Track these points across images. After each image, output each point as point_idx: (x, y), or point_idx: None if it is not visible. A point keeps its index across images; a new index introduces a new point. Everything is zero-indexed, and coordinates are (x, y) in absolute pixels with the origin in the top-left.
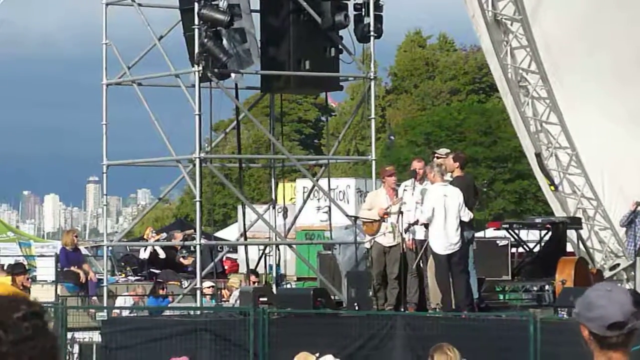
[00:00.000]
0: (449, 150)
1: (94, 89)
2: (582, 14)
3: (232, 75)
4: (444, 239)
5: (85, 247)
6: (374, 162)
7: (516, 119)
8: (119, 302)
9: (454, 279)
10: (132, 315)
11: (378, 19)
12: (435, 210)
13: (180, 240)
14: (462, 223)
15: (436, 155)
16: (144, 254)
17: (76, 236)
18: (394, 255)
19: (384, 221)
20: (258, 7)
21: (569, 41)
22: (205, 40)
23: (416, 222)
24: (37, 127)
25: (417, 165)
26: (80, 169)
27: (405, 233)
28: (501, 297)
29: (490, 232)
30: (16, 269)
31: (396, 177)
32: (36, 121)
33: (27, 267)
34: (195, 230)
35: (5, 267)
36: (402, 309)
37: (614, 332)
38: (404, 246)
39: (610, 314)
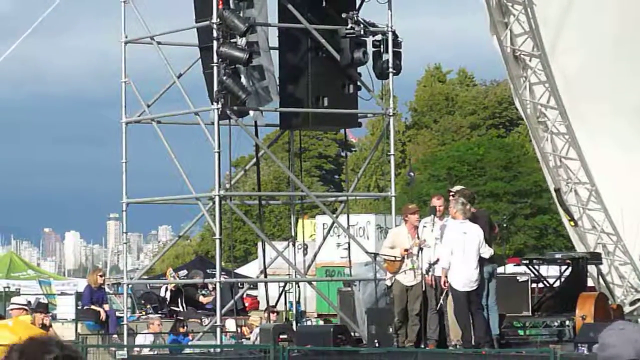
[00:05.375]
0: (463, 187)
1: (114, 126)
2: (601, 49)
3: (251, 112)
4: (463, 276)
5: (106, 284)
6: (393, 198)
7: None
8: (139, 340)
9: (474, 316)
10: (152, 353)
11: (397, 56)
12: (454, 248)
13: (200, 286)
14: (482, 259)
15: (451, 193)
16: (164, 293)
17: (101, 275)
18: (415, 292)
19: (407, 258)
20: (277, 45)
21: (588, 76)
22: (224, 77)
23: (436, 262)
24: (58, 164)
25: (437, 202)
26: (101, 206)
27: (427, 273)
28: (521, 332)
29: (510, 268)
30: (37, 308)
31: (419, 214)
32: (57, 158)
33: (47, 306)
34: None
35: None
36: (423, 346)
37: None
38: (424, 283)
39: (623, 353)
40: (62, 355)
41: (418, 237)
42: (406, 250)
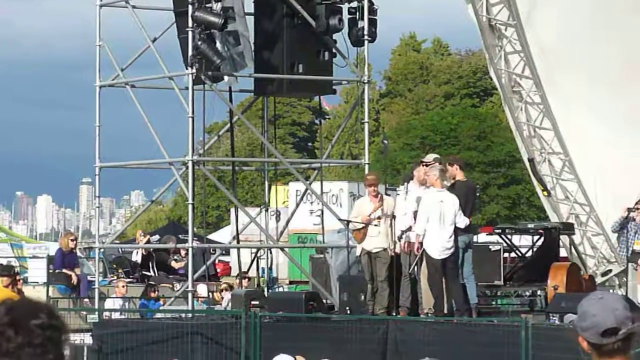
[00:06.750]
0: (437, 156)
1: (88, 90)
2: (576, 19)
3: (226, 78)
4: (439, 244)
5: (78, 249)
6: (367, 165)
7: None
8: (108, 304)
9: (451, 284)
10: (123, 317)
11: (372, 23)
12: (430, 215)
13: (172, 252)
14: (457, 228)
15: (423, 162)
16: (136, 257)
17: (73, 239)
18: (382, 259)
19: (376, 225)
20: (252, 10)
21: (563, 46)
22: (199, 42)
23: (409, 229)
24: (31, 128)
25: (422, 170)
26: (73, 170)
27: (399, 240)
28: (493, 302)
29: (482, 237)
30: (2, 271)
31: (376, 186)
32: (30, 121)
33: (16, 270)
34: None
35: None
36: (395, 313)
37: (610, 338)
38: (396, 250)
39: (603, 321)
40: (48, 323)
41: (381, 202)
42: (369, 218)
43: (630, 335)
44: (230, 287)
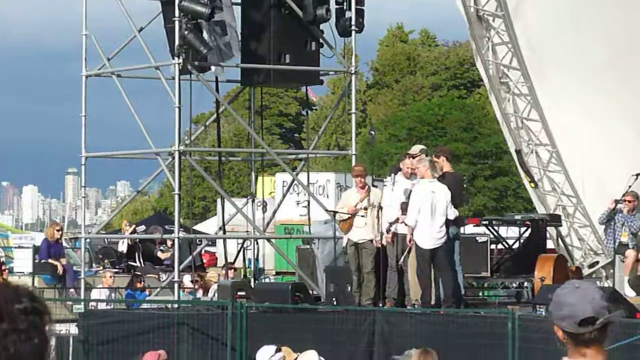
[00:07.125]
0: (423, 147)
1: (74, 80)
2: (564, 11)
3: (213, 68)
4: (429, 234)
5: (64, 239)
6: (354, 156)
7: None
8: (94, 294)
9: (442, 275)
10: (109, 307)
11: (360, 13)
12: (422, 206)
13: (158, 242)
14: (447, 220)
15: (409, 155)
16: (122, 247)
17: (59, 230)
18: (367, 250)
19: (362, 216)
20: (239, 0)
21: (551, 37)
22: (186, 32)
23: (396, 221)
24: (17, 118)
25: (408, 163)
26: (59, 160)
27: (387, 232)
28: (480, 293)
29: (469, 229)
30: None
31: (363, 177)
32: (16, 112)
33: (2, 259)
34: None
35: None
36: (381, 304)
37: (586, 328)
38: (383, 241)
39: (580, 310)
40: (32, 307)
41: (368, 194)
42: (354, 209)
43: (606, 324)
44: (201, 278)
